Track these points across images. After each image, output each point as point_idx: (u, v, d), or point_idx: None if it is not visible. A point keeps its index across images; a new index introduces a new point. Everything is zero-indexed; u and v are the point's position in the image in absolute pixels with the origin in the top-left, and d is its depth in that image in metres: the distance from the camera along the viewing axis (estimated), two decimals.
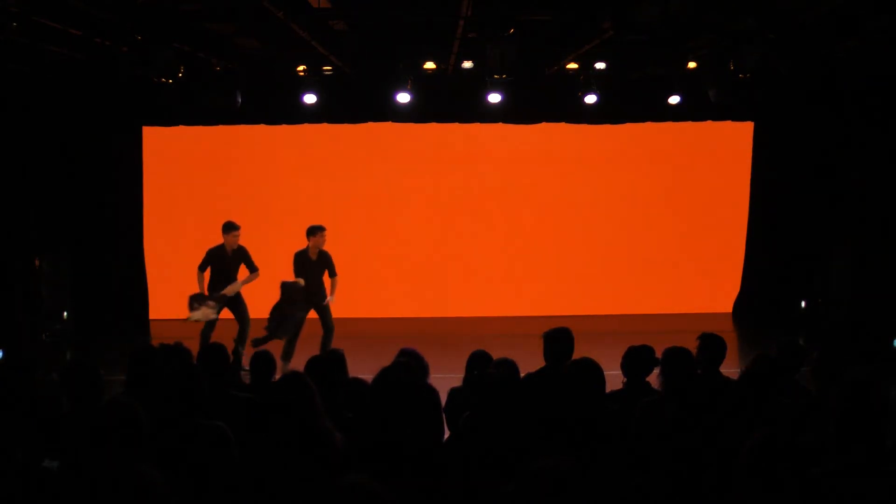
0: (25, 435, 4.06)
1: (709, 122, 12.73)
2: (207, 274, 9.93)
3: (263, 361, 5.35)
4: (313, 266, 9.82)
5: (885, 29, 8.42)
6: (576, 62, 10.65)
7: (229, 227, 9.96)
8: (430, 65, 10.73)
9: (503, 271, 13.13)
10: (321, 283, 9.86)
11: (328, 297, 9.83)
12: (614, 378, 4.94)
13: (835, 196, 12.29)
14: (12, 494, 3.36)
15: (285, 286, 9.58)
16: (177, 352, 5.19)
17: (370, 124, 12.52)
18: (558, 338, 5.46)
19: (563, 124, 12.57)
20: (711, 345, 5.28)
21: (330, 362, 4.99)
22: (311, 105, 11.10)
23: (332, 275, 9.88)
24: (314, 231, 9.84)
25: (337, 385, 4.75)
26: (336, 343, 9.81)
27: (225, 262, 9.92)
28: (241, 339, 9.65)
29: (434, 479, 3.51)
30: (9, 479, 3.41)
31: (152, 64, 8.69)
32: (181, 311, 12.90)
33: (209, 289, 9.84)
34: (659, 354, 4.94)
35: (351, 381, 5.15)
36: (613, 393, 5.00)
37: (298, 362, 7.15)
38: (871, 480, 3.12)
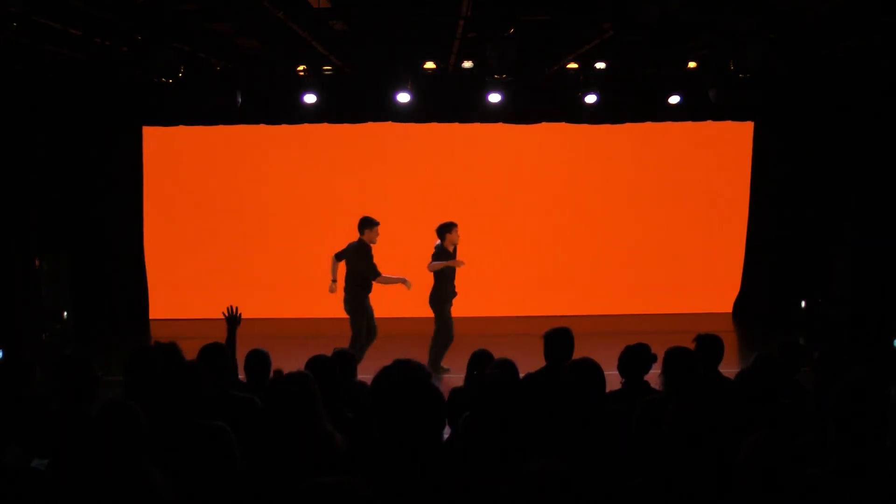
0: (21, 434, 4.06)
1: (709, 122, 12.72)
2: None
3: (258, 360, 5.30)
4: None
5: (885, 29, 8.42)
6: (576, 62, 10.65)
7: (372, 223, 9.62)
8: (430, 65, 10.73)
9: (503, 271, 13.12)
10: None
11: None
12: (614, 378, 4.94)
13: (835, 196, 12.29)
14: (6, 494, 3.36)
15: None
16: (172, 351, 5.18)
17: (370, 124, 12.51)
18: (558, 338, 5.46)
19: (563, 124, 12.56)
20: (709, 345, 5.28)
21: (333, 362, 4.98)
22: (311, 105, 11.10)
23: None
24: (450, 227, 9.68)
25: (339, 385, 4.74)
26: (338, 343, 9.81)
27: (367, 263, 9.70)
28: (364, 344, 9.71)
29: (434, 479, 3.51)
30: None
31: (152, 64, 8.69)
32: (181, 310, 12.97)
33: (358, 287, 9.66)
34: (659, 354, 4.94)
35: (353, 383, 5.15)
36: (613, 393, 5.00)
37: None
38: (870, 480, 3.12)
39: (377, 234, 9.66)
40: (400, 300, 12.76)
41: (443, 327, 9.70)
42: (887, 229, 11.54)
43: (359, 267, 9.62)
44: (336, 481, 2.41)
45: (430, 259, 9.79)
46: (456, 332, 9.93)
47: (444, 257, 9.72)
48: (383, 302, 12.95)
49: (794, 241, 12.66)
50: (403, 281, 9.67)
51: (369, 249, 9.64)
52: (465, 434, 4.21)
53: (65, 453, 3.72)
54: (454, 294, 9.76)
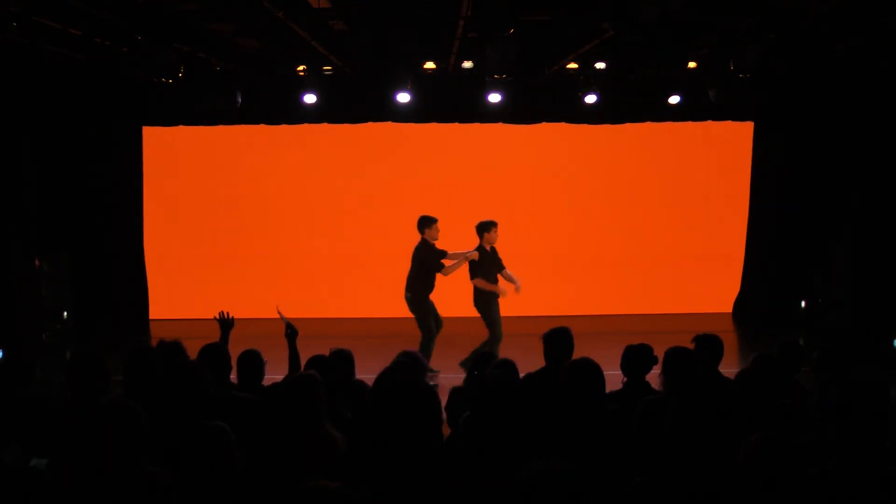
0: (21, 434, 4.06)
1: (709, 122, 12.73)
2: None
3: (250, 361, 5.27)
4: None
5: (886, 29, 8.42)
6: (576, 62, 10.65)
7: (430, 221, 9.56)
8: (430, 65, 10.73)
9: None
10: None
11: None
12: (614, 378, 4.94)
13: (834, 196, 12.28)
14: (6, 494, 3.36)
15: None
16: (175, 350, 5.17)
17: (370, 124, 12.52)
18: (558, 338, 5.45)
19: (563, 124, 12.56)
20: (709, 345, 5.27)
21: (333, 362, 4.97)
22: (311, 105, 11.10)
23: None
24: (489, 226, 9.57)
25: (339, 385, 4.74)
26: (337, 343, 9.76)
27: (435, 256, 9.61)
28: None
29: (434, 480, 3.51)
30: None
31: (152, 64, 8.68)
32: (181, 310, 12.97)
33: (421, 286, 9.56)
34: (659, 354, 4.94)
35: (352, 383, 5.14)
36: (613, 393, 5.00)
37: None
38: (870, 481, 3.12)
39: (438, 231, 9.59)
40: (399, 300, 12.78)
41: (493, 328, 9.53)
42: (887, 229, 11.54)
43: (422, 266, 9.54)
44: (327, 486, 2.42)
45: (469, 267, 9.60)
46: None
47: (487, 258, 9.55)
48: (381, 302, 12.97)
49: (793, 240, 12.66)
50: (465, 257, 9.53)
51: (432, 247, 9.56)
52: (465, 434, 4.21)
53: (66, 451, 3.72)
54: (497, 293, 9.58)
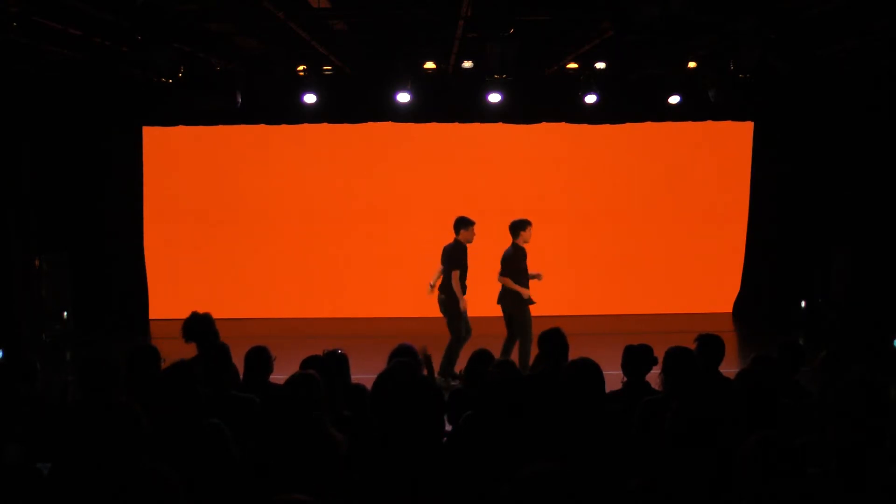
0: (23, 434, 4.07)
1: (709, 122, 12.73)
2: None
3: (256, 358, 5.28)
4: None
5: (886, 29, 8.43)
6: (576, 62, 10.65)
7: (467, 223, 9.30)
8: (430, 65, 10.73)
9: None
10: None
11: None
12: (614, 378, 4.94)
13: (835, 196, 12.29)
14: (6, 494, 3.36)
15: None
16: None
17: (370, 124, 12.52)
18: (552, 339, 5.46)
19: (563, 124, 12.56)
20: (710, 345, 5.28)
21: (328, 362, 4.97)
22: (311, 105, 11.10)
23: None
24: (524, 225, 9.26)
25: (336, 385, 4.74)
26: (336, 343, 9.73)
27: (466, 257, 9.41)
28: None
29: (434, 479, 3.51)
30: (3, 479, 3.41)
31: (152, 64, 8.69)
32: (181, 310, 12.95)
33: (448, 290, 9.33)
34: (659, 354, 4.94)
35: (348, 384, 5.14)
36: (613, 393, 5.00)
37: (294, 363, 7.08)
38: (871, 481, 3.12)
39: (473, 234, 9.33)
40: (398, 300, 12.79)
41: (522, 330, 9.08)
42: (887, 229, 11.54)
43: (451, 266, 9.34)
44: (297, 499, 2.46)
45: (500, 262, 9.37)
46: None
47: (519, 257, 9.28)
48: (380, 302, 12.98)
49: (794, 241, 12.66)
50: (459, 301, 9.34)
51: (462, 250, 9.36)
52: (466, 434, 4.21)
53: (68, 449, 3.72)
54: (529, 300, 9.27)
